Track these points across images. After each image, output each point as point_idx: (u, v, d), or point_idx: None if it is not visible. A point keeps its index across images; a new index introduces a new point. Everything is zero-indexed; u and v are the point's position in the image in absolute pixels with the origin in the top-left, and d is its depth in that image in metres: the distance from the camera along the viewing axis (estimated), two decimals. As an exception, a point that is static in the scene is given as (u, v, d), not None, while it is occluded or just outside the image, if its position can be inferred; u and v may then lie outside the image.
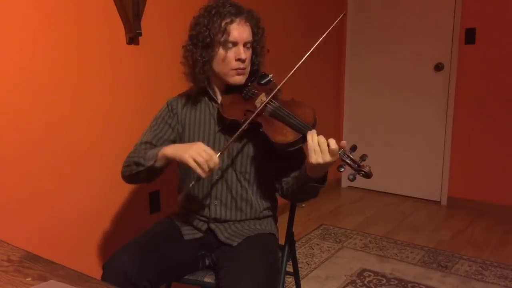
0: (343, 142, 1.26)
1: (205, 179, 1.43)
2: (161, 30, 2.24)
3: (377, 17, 3.75)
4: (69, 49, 1.88)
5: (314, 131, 1.28)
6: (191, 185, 1.40)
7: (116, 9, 2.04)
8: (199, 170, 1.28)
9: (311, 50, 1.41)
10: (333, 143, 1.23)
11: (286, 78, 1.42)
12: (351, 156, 1.25)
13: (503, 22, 3.18)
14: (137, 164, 1.45)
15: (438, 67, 3.48)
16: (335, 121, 4.00)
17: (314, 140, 1.25)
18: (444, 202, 3.59)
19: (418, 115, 3.64)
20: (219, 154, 1.32)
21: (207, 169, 1.28)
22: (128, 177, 1.52)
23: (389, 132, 3.81)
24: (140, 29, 2.07)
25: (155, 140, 1.55)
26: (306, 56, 1.41)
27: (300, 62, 1.40)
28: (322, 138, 1.24)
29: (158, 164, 1.40)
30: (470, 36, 3.31)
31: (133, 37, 2.11)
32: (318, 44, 1.41)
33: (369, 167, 1.24)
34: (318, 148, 1.23)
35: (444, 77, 3.48)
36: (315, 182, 1.34)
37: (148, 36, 2.18)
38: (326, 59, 3.77)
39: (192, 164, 1.28)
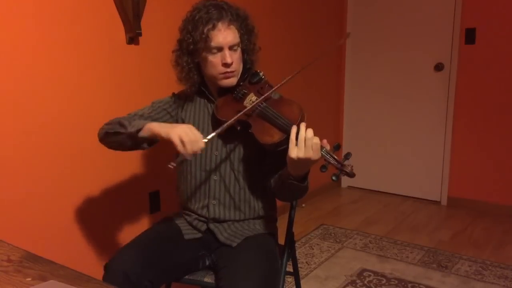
0: (325, 141, 1.24)
1: (187, 160, 1.36)
2: (161, 30, 2.24)
3: (377, 17, 3.74)
4: (69, 49, 1.88)
5: (301, 124, 1.24)
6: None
7: (116, 9, 2.04)
8: (181, 148, 1.25)
9: (305, 67, 1.40)
10: (316, 137, 1.20)
11: (273, 90, 1.41)
12: (334, 156, 1.23)
13: (503, 22, 3.18)
14: (121, 124, 1.40)
15: (438, 67, 3.48)
16: (335, 121, 4.00)
17: (300, 132, 1.21)
18: (444, 202, 3.59)
19: (418, 115, 3.64)
20: (205, 140, 1.29)
21: (190, 150, 1.25)
22: (104, 135, 1.46)
23: (389, 132, 3.81)
24: (140, 29, 2.07)
25: (149, 119, 1.50)
26: (294, 74, 1.40)
27: (287, 79, 1.40)
28: (309, 133, 1.21)
29: (141, 134, 1.35)
30: (470, 36, 3.31)
31: (133, 37, 2.11)
32: (312, 62, 1.40)
33: (352, 167, 1.22)
34: (303, 142, 1.20)
35: (444, 77, 3.48)
36: (295, 181, 1.30)
37: (148, 36, 2.18)
38: (326, 59, 3.77)
39: (177, 140, 1.25)
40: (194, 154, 1.27)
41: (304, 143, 1.21)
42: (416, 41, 3.56)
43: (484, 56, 3.28)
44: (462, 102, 3.42)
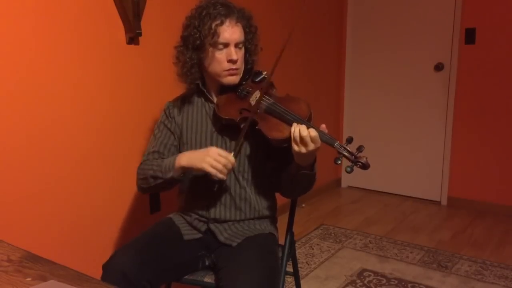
0: (323, 126, 1.29)
1: (224, 180, 1.43)
2: (161, 30, 2.24)
3: (377, 17, 3.74)
4: (69, 49, 1.88)
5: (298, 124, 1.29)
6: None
7: (116, 9, 2.04)
8: (220, 176, 1.33)
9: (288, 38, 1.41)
10: (312, 130, 1.25)
11: (271, 72, 1.43)
12: (347, 148, 1.26)
13: (503, 22, 3.17)
14: (154, 177, 1.47)
15: (438, 67, 3.48)
16: (335, 120, 4.00)
17: (295, 131, 1.26)
18: (444, 202, 3.59)
19: (418, 115, 3.64)
20: (232, 154, 1.36)
21: (226, 173, 1.34)
22: (147, 189, 1.55)
23: (389, 132, 3.81)
24: (140, 29, 2.07)
25: (162, 148, 1.56)
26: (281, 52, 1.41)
27: (282, 53, 1.40)
28: (303, 128, 1.25)
29: (176, 175, 1.43)
30: (470, 36, 3.31)
31: (133, 37, 2.11)
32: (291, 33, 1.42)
33: (366, 158, 1.24)
34: (299, 138, 1.25)
35: (444, 77, 3.48)
36: (305, 170, 1.34)
37: (148, 36, 2.18)
38: (326, 58, 3.77)
39: (212, 171, 1.33)
40: (229, 172, 1.38)
41: (299, 139, 1.25)
42: (416, 41, 3.56)
43: (484, 56, 3.28)
44: (462, 102, 3.41)
